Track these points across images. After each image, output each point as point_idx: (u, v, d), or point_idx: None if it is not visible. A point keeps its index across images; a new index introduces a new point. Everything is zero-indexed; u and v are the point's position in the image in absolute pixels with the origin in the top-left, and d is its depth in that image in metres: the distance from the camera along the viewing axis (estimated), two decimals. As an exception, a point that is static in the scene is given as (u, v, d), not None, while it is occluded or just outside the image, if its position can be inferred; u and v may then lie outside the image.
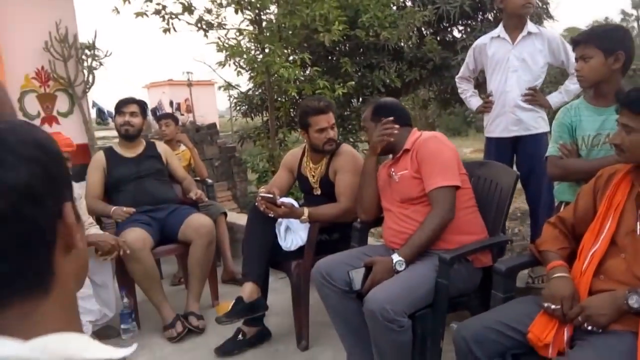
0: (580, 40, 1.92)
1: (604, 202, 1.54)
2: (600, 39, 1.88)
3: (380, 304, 1.71)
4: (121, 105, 3.07)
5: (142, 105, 3.15)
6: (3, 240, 0.48)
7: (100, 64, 5.94)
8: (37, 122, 5.50)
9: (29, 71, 5.47)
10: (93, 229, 2.70)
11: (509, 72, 2.62)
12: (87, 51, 5.76)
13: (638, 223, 1.46)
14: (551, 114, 2.74)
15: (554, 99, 2.65)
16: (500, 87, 2.65)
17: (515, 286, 1.75)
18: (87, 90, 5.84)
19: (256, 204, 2.44)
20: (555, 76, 6.42)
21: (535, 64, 2.61)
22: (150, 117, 9.92)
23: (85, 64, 5.75)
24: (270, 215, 2.36)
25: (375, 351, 1.85)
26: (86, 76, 5.78)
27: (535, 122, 2.63)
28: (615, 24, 2.77)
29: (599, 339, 1.36)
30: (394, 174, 2.08)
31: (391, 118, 2.12)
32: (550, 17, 6.74)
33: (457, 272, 1.89)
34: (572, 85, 2.62)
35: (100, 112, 11.23)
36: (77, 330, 0.55)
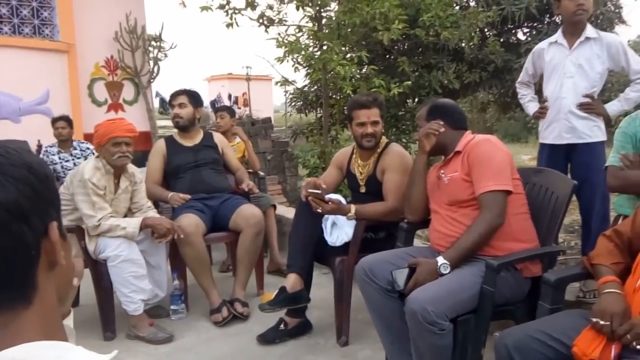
0: None
1: None
2: None
3: (421, 304, 1.70)
4: (171, 98, 3.21)
5: (191, 94, 3.21)
6: None
7: (165, 55, 6.20)
8: (104, 108, 5.83)
9: (99, 60, 5.80)
10: (151, 212, 2.84)
11: (565, 77, 2.54)
12: (153, 42, 6.03)
13: None
14: (614, 123, 2.63)
15: (612, 107, 2.54)
16: (556, 92, 2.58)
17: (563, 298, 1.69)
18: (152, 80, 6.12)
19: (302, 197, 2.47)
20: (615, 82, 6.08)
21: (593, 69, 2.52)
22: (209, 108, 10.23)
23: (151, 55, 6.02)
24: (318, 210, 2.39)
25: (414, 353, 1.84)
26: (152, 66, 6.05)
27: (590, 131, 2.53)
28: None
29: (650, 360, 1.31)
30: (443, 175, 2.06)
31: (440, 122, 2.10)
32: (623, 22, 6.39)
33: (504, 280, 1.85)
34: (632, 93, 2.50)
35: (162, 102, 11.67)
36: (61, 339, 0.58)
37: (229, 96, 15.63)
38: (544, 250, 1.95)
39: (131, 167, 2.82)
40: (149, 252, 2.75)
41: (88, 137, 4.57)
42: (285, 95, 7.50)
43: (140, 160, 6.15)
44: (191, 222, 2.78)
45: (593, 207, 2.51)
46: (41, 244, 0.58)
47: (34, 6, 5.32)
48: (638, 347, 1.32)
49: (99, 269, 2.64)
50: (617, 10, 6.22)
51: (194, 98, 3.21)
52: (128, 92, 6.05)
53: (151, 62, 6.05)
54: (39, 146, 4.58)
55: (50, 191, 0.60)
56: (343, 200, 2.48)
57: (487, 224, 1.86)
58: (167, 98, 12.79)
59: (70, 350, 0.56)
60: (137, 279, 2.57)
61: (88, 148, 4.36)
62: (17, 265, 0.56)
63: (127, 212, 2.82)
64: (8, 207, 0.54)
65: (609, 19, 6.00)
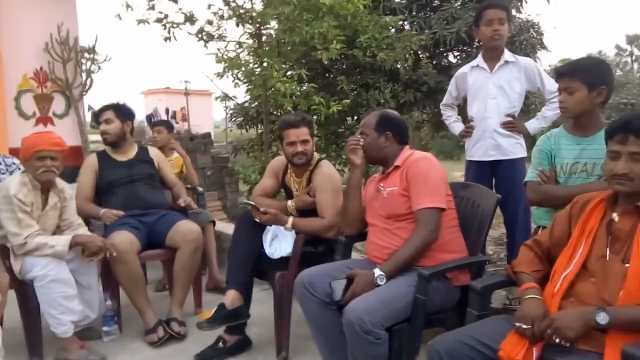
0: (566, 72, 1.99)
1: (577, 228, 1.60)
2: (585, 74, 1.95)
3: (358, 314, 1.75)
4: (97, 114, 3.14)
5: (118, 108, 3.13)
6: None
7: (99, 67, 6.00)
8: (32, 121, 5.54)
9: (28, 71, 5.51)
10: (82, 230, 2.73)
11: (488, 99, 2.72)
12: (86, 54, 5.82)
13: (608, 249, 1.52)
14: (529, 140, 2.83)
15: (531, 125, 2.74)
16: (480, 113, 2.75)
17: (489, 305, 1.79)
18: (84, 93, 5.89)
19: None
20: (540, 104, 6.55)
21: (513, 90, 2.71)
22: (144, 122, 9.96)
23: (84, 67, 5.80)
24: (256, 219, 2.41)
25: (351, 362, 1.88)
26: (84, 79, 5.83)
27: (513, 148, 2.72)
28: (599, 59, 2.84)
29: (567, 358, 1.41)
30: (382, 188, 2.13)
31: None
32: (544, 47, 6.89)
33: (436, 289, 1.94)
34: (548, 111, 2.72)
35: (95, 115, 11.24)
36: None
37: (167, 110, 15.27)
38: (471, 260, 2.06)
39: (60, 183, 2.71)
40: (79, 272, 2.63)
41: (14, 152, 4.33)
42: (225, 110, 7.46)
43: (71, 175, 5.84)
44: (125, 239, 2.70)
45: (517, 219, 2.68)
46: None
47: (-44, 13, 5.01)
48: (557, 340, 1.41)
49: (25, 290, 2.50)
50: (538, 37, 6.70)
51: (122, 112, 3.13)
52: (58, 105, 5.77)
53: (84, 75, 5.83)
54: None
55: None
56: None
57: (423, 239, 1.95)
58: (101, 112, 12.22)
59: None
60: (66, 300, 2.45)
61: (14, 163, 4.10)
62: None
63: (55, 230, 2.69)
64: None
65: (531, 45, 6.44)
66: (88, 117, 8.40)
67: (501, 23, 2.66)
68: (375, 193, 2.18)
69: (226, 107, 7.11)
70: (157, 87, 18.52)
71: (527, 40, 6.36)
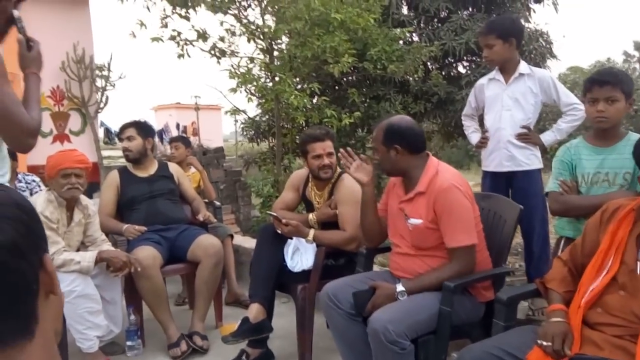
0: (609, 81, 1.96)
1: (606, 238, 1.60)
2: (625, 84, 1.97)
3: (382, 324, 1.77)
4: (120, 131, 3.18)
5: (140, 126, 3.18)
6: None
7: (113, 85, 6.12)
8: (49, 139, 5.64)
9: (45, 90, 5.64)
10: (105, 245, 2.77)
11: (503, 110, 2.74)
12: (101, 72, 5.93)
13: (638, 263, 1.52)
14: (551, 151, 2.84)
15: (546, 137, 2.76)
16: (495, 124, 2.77)
17: (515, 316, 1.81)
18: (99, 110, 6.00)
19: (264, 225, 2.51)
20: (558, 114, 6.58)
21: (527, 102, 2.73)
22: (156, 138, 10.06)
23: (99, 85, 5.92)
24: (277, 230, 2.43)
25: (378, 374, 1.90)
26: (100, 97, 5.94)
27: (528, 159, 2.73)
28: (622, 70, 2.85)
29: (596, 369, 1.42)
30: (407, 217, 2.05)
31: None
32: (554, 56, 6.93)
33: (461, 303, 1.95)
34: (563, 124, 2.73)
35: (107, 131, 11.37)
36: None
37: (177, 125, 15.43)
38: (497, 271, 2.07)
39: (84, 199, 2.76)
40: (104, 287, 2.68)
41: (32, 169, 4.41)
42: (235, 124, 7.54)
43: (88, 191, 5.96)
44: (148, 255, 2.74)
45: (534, 229, 2.69)
46: (39, 276, 0.60)
47: (-25, 34, 5.14)
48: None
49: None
50: (548, 46, 6.74)
51: (143, 129, 3.18)
52: (75, 122, 5.90)
53: (99, 93, 5.95)
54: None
55: (38, 225, 0.62)
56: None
57: (455, 274, 1.93)
58: (112, 128, 12.45)
59: None
60: (92, 315, 2.49)
61: (34, 180, 4.19)
62: (21, 300, 0.58)
63: (80, 246, 2.74)
64: (7, 246, 0.56)
65: (541, 54, 6.48)
66: (100, 133, 8.52)
67: (489, 47, 2.70)
68: (399, 214, 2.11)
69: (236, 120, 7.19)
70: (168, 103, 18.68)
71: (536, 50, 6.40)
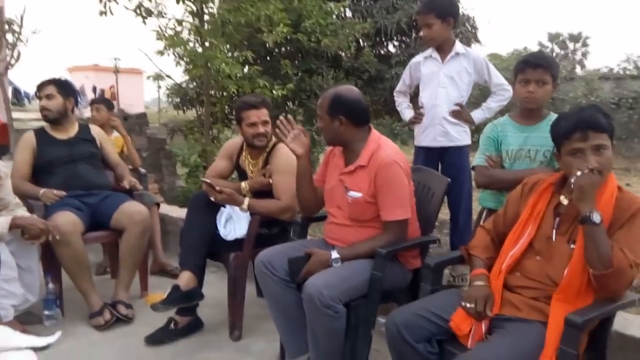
0: (542, 65, 2.07)
1: (526, 209, 1.73)
2: (554, 68, 2.09)
3: (317, 289, 1.82)
4: (38, 88, 2.95)
5: (60, 84, 2.99)
6: None
7: (25, 41, 5.62)
8: (-51, 95, 5.10)
9: (-56, 40, 5.07)
10: (20, 210, 2.58)
11: (438, 88, 2.85)
12: (13, 27, 5.42)
13: (554, 230, 1.66)
14: (474, 128, 3.00)
15: (476, 115, 2.91)
16: (431, 101, 2.88)
17: (441, 281, 1.91)
18: (9, 67, 5.50)
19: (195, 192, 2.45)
20: (477, 97, 6.90)
21: (462, 81, 2.86)
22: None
23: (10, 39, 5.41)
24: (211, 198, 2.39)
25: (310, 337, 1.94)
26: (11, 53, 5.44)
27: (459, 135, 2.88)
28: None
29: (514, 325, 1.55)
30: (347, 190, 2.07)
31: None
32: (478, 41, 7.23)
33: (391, 270, 2.02)
34: (493, 103, 2.89)
35: (16, 92, 10.47)
36: None
37: (94, 88, 14.55)
38: (425, 239, 2.17)
39: (-6, 161, 2.54)
40: (19, 254, 2.49)
41: None
42: (158, 90, 7.21)
43: (-2, 153, 5.47)
44: (68, 221, 2.59)
45: (460, 202, 2.85)
46: None
47: None
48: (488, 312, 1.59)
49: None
50: (473, 31, 7.01)
51: (64, 88, 2.98)
52: (-21, 78, 5.37)
53: (10, 48, 5.44)
54: None
55: None
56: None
57: (387, 243, 1.99)
58: (22, 88, 11.48)
59: (10, 334, 0.56)
60: (7, 283, 2.32)
61: None
62: None
63: (-10, 211, 2.53)
64: None
65: (466, 38, 6.73)
66: (9, 93, 7.84)
67: (428, 27, 2.78)
68: (337, 184, 2.12)
69: (159, 87, 6.88)
70: (85, 64, 17.46)
71: (462, 34, 6.63)
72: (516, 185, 1.84)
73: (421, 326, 1.64)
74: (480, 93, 6.55)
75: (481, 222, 2.22)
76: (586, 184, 1.49)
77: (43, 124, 3.02)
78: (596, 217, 1.45)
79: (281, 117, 2.22)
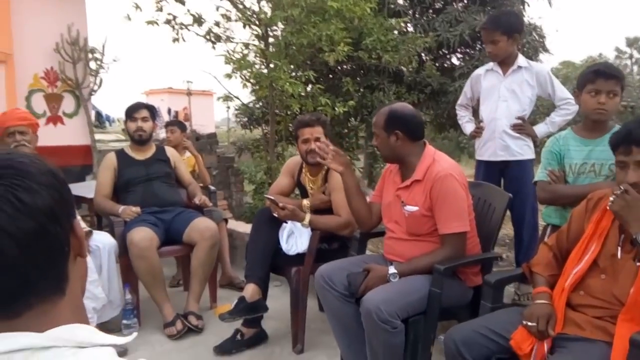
0: (616, 75, 2.01)
1: (591, 226, 1.68)
2: (623, 80, 2.04)
3: (375, 304, 1.85)
4: (132, 110, 3.20)
5: (150, 108, 3.29)
6: (33, 252, 0.61)
7: (107, 69, 6.08)
8: (43, 120, 5.62)
9: (39, 71, 5.61)
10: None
11: (499, 101, 2.81)
12: (95, 55, 5.91)
13: (619, 248, 1.60)
14: (539, 143, 2.92)
15: (540, 129, 2.84)
16: (491, 114, 2.84)
17: (502, 298, 1.89)
18: (92, 93, 5.98)
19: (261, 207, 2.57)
20: (549, 107, 6.66)
21: (524, 94, 2.80)
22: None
23: (93, 67, 5.89)
24: (274, 214, 2.49)
25: (369, 352, 1.97)
26: (94, 79, 5.92)
27: (521, 149, 2.81)
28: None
29: (577, 345, 1.51)
30: (403, 204, 2.10)
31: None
32: (546, 50, 6.99)
33: (450, 286, 2.02)
34: (557, 117, 2.81)
35: (98, 115, 11.31)
36: (85, 323, 0.67)
37: (169, 110, 15.39)
38: (486, 256, 2.15)
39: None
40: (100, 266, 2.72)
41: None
42: (227, 111, 7.54)
43: (80, 174, 5.95)
44: (145, 236, 2.79)
45: (524, 218, 2.78)
46: (70, 240, 0.66)
47: (-31, 14, 5.09)
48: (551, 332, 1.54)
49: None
50: (541, 40, 6.80)
51: (152, 112, 3.28)
52: (68, 104, 5.87)
53: (93, 75, 5.92)
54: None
55: (69, 193, 0.68)
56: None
57: (446, 258, 2.00)
58: (103, 111, 12.30)
59: (95, 332, 0.66)
60: (90, 284, 2.51)
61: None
62: (55, 262, 0.64)
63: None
64: (45, 211, 0.62)
65: (534, 48, 6.53)
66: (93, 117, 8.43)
67: (494, 44, 2.76)
68: (394, 199, 2.16)
69: (228, 107, 7.19)
70: (159, 88, 18.57)
71: (529, 43, 6.45)
72: (580, 201, 1.79)
73: (480, 344, 1.63)
74: (552, 105, 6.33)
75: (545, 239, 2.17)
76: (620, 208, 1.46)
77: (122, 144, 3.29)
78: None
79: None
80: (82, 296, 0.75)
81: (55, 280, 0.65)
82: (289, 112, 5.87)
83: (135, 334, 0.72)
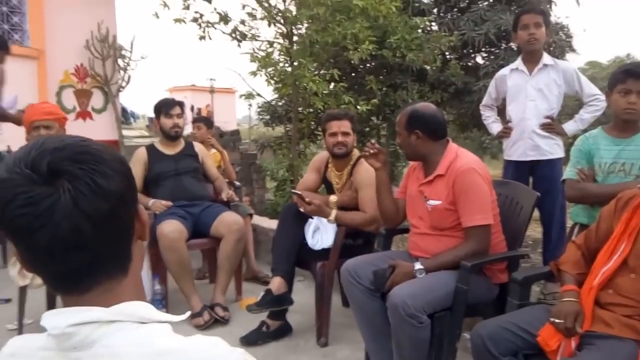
0: None
1: (620, 225, 1.67)
2: None
3: (402, 298, 1.87)
4: (167, 107, 3.28)
5: (181, 105, 3.40)
6: (105, 233, 0.65)
7: (134, 66, 6.21)
8: (72, 116, 5.77)
9: (69, 67, 5.76)
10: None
11: (527, 100, 2.80)
12: (124, 52, 6.04)
13: None
14: (567, 141, 2.91)
15: (569, 127, 2.82)
16: (519, 114, 2.83)
17: (529, 295, 1.90)
18: (121, 89, 6.11)
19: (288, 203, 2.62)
20: (573, 108, 6.58)
21: (551, 93, 2.79)
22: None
23: (121, 64, 6.03)
24: (300, 209, 2.54)
25: (394, 346, 2.00)
26: (122, 76, 6.05)
27: (551, 148, 2.80)
28: None
29: (605, 343, 1.52)
30: (426, 199, 2.13)
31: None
32: (573, 50, 6.92)
33: (476, 283, 2.03)
34: (586, 114, 2.79)
35: (123, 111, 11.53)
36: (144, 301, 0.72)
37: (192, 107, 15.57)
38: (513, 253, 2.15)
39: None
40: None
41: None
42: (249, 108, 7.63)
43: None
44: (175, 228, 2.86)
45: (553, 217, 2.77)
46: (134, 223, 0.71)
47: (5, 11, 5.26)
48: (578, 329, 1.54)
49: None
50: (567, 40, 6.72)
51: (183, 109, 3.39)
52: (97, 100, 6.02)
53: (121, 72, 6.06)
54: (9, 152, 4.51)
55: (134, 180, 0.74)
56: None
57: (472, 252, 2.02)
58: (128, 108, 12.57)
59: (154, 309, 0.71)
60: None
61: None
62: (123, 242, 0.70)
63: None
64: (117, 195, 0.66)
65: (560, 47, 6.47)
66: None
67: (537, 27, 2.74)
68: (419, 197, 2.19)
69: (250, 105, 7.28)
70: (183, 85, 18.83)
71: (556, 43, 6.39)
72: (609, 200, 1.79)
73: (507, 339, 1.64)
74: (578, 104, 6.26)
75: (573, 238, 2.16)
76: None
77: (146, 140, 3.38)
78: None
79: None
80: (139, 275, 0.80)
81: (121, 260, 0.70)
82: (311, 110, 5.91)
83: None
